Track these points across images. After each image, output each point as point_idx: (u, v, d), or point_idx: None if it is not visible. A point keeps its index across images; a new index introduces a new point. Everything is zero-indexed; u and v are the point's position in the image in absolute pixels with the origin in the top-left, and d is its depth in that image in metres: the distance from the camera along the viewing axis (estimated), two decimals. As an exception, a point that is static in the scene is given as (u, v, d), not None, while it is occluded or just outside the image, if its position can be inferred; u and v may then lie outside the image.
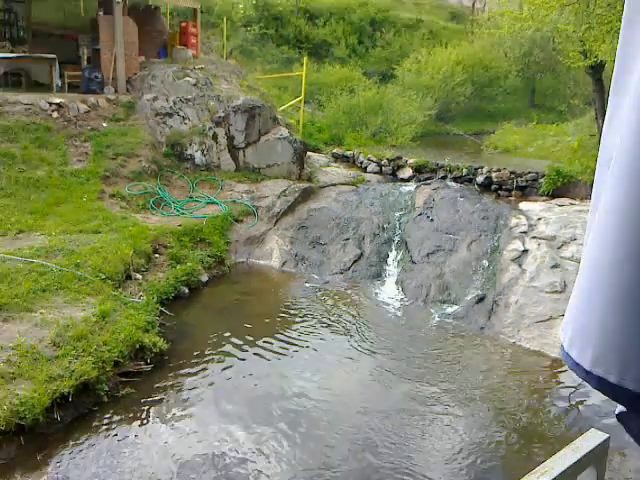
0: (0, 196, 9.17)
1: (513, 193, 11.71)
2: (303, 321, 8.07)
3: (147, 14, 16.03)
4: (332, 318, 8.22)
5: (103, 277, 7.27)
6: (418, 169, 13.03)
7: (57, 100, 11.60)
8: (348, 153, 14.64)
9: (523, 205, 10.42)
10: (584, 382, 0.89)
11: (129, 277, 7.83)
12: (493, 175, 11.94)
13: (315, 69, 20.38)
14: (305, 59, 15.86)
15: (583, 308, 0.89)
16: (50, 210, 9.08)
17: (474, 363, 7.23)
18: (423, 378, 6.75)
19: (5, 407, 4.93)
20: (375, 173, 13.49)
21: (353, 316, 8.31)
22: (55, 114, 11.35)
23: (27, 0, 16.23)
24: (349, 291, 9.21)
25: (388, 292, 9.22)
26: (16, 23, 17.65)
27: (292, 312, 8.37)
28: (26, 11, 16.53)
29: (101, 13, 13.99)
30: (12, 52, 13.52)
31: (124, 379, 6.06)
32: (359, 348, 7.39)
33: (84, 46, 14.46)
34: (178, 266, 8.63)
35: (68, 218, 8.85)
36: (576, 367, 0.88)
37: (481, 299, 8.55)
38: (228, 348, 7.16)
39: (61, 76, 13.29)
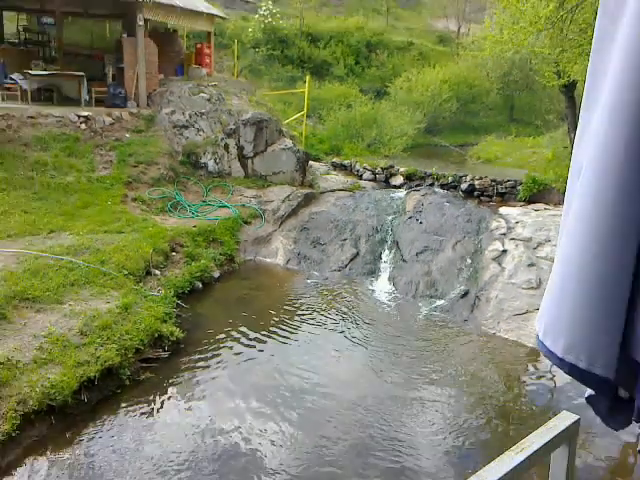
0: (33, 199, 9.19)
1: (494, 199, 11.73)
2: (305, 313, 8.08)
3: (166, 36, 16.05)
4: (331, 311, 8.23)
5: (126, 273, 7.27)
6: (408, 177, 13.04)
7: (85, 113, 11.61)
8: (346, 162, 14.65)
9: (503, 210, 10.43)
10: (557, 368, 0.90)
11: (149, 273, 7.83)
12: (476, 183, 11.96)
13: (316, 86, 20.35)
14: (307, 77, 15.89)
15: (556, 302, 0.90)
16: (78, 212, 9.08)
17: (458, 352, 7.23)
18: (412, 366, 6.76)
19: (38, 389, 4.95)
20: (370, 180, 13.49)
21: (350, 309, 8.32)
22: (83, 126, 11.36)
23: (59, 23, 16.26)
24: (346, 286, 9.22)
25: (381, 287, 9.23)
26: (49, 44, 17.71)
27: (295, 305, 8.38)
28: (58, 33, 16.54)
29: (125, 35, 14.01)
30: (45, 70, 13.53)
31: (144, 365, 6.07)
32: (355, 338, 7.40)
33: (109, 65, 14.48)
34: (193, 263, 8.63)
35: (94, 220, 8.85)
36: (550, 354, 0.89)
37: (465, 294, 8.56)
38: (238, 337, 7.17)
39: (89, 92, 13.29)
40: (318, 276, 9.64)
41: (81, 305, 6.28)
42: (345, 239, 10.37)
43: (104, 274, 7.02)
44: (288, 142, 12.77)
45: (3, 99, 12.85)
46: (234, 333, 7.26)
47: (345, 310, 8.26)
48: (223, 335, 7.19)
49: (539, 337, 0.93)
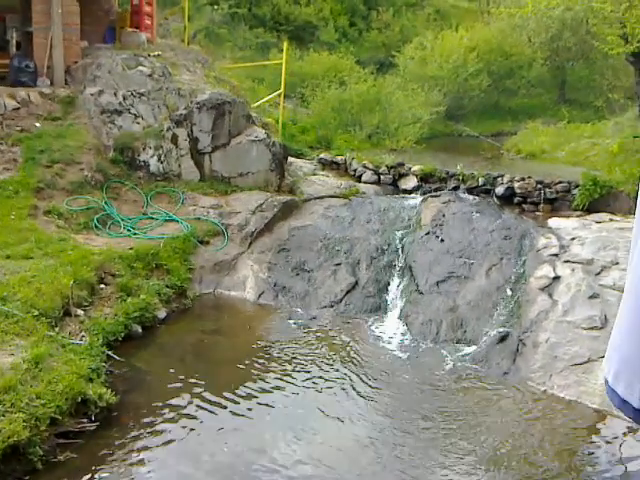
0: None
1: (540, 207, 11.85)
2: (284, 368, 8.06)
3: (91, -11, 16.16)
4: (320, 364, 8.22)
5: (36, 313, 7.21)
6: (424, 178, 13.16)
7: (-22, 94, 11.63)
8: (338, 159, 14.77)
9: (553, 222, 10.54)
10: (635, 424, 0.93)
11: (68, 313, 7.78)
12: (516, 185, 12.10)
13: (297, 57, 20.63)
14: (285, 44, 16.07)
15: (629, 338, 0.93)
16: (-31, 230, 9.04)
17: (497, 418, 7.26)
18: (435, 440, 6.76)
19: None
20: (372, 183, 13.61)
21: (346, 361, 8.32)
22: (-24, 112, 11.37)
23: (-59, -29, 16.28)
24: (341, 329, 9.24)
25: (389, 330, 9.26)
26: None
27: (270, 356, 8.37)
28: (-60, -15, 16.60)
29: (34, -13, 14.10)
30: None
31: (63, 440, 6.00)
32: (354, 403, 7.38)
33: (12, 28, 14.51)
34: (129, 299, 8.59)
35: (-8, 240, 8.81)
36: (623, 405, 0.93)
37: (504, 337, 8.60)
38: (191, 401, 7.12)
39: (-17, 65, 13.33)
40: (302, 315, 9.65)
41: (-26, 359, 6.23)
42: (339, 264, 10.41)
43: (6, 315, 6.97)
44: (259, 132, 12.88)
45: None
46: (186, 396, 7.21)
47: (340, 363, 8.26)
48: (170, 399, 7.14)
49: (608, 383, 0.97)
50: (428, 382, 7.98)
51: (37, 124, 11.78)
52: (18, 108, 11.91)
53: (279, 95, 15.67)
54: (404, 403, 7.47)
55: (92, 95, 12.53)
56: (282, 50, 16.49)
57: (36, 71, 13.14)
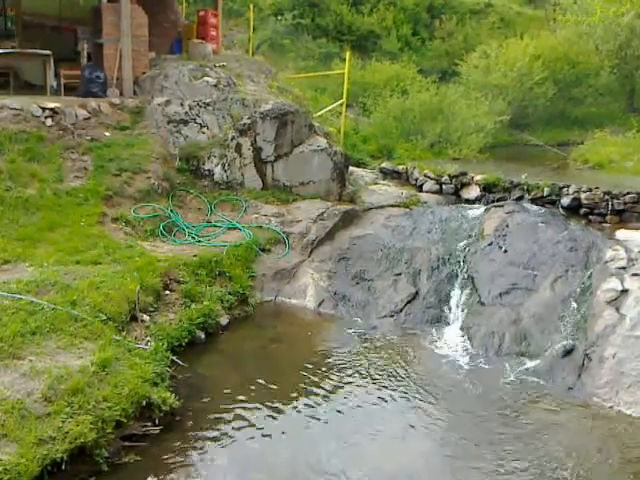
0: (-18, 219, 9.49)
1: (608, 218, 11.59)
2: (343, 376, 8.06)
3: (158, 1, 16.54)
4: (380, 373, 8.19)
5: (104, 318, 7.40)
6: (487, 188, 13.02)
7: (52, 105, 12.01)
8: (400, 168, 14.75)
9: (621, 234, 10.28)
10: None
11: (134, 318, 7.96)
12: (582, 196, 11.86)
13: (359, 66, 20.65)
14: (347, 54, 16.11)
15: None
16: (42, 236, 9.31)
17: (561, 435, 7.09)
18: (495, 456, 6.64)
19: (-14, 475, 5.05)
20: (433, 192, 13.54)
21: (406, 371, 8.27)
22: (49, 121, 11.74)
23: (15, -14, 16.93)
24: (401, 339, 9.19)
25: (450, 341, 9.16)
26: (4, 13, 18.46)
27: (330, 365, 8.38)
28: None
29: (104, 0, 14.51)
30: (-1, 48, 14.10)
31: (127, 443, 6.13)
32: (413, 416, 7.33)
33: (84, 40, 14.98)
34: (193, 305, 8.75)
35: (63, 246, 9.05)
36: None
37: (569, 351, 8.43)
38: (251, 407, 7.20)
39: (56, 76, 13.78)
40: (362, 324, 9.64)
41: (45, 361, 6.40)
42: (399, 273, 10.37)
43: (75, 319, 7.16)
44: (321, 141, 12.95)
45: (-57, 86, 13.43)
46: (246, 402, 7.29)
47: (399, 373, 8.21)
48: (232, 404, 7.22)
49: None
50: (490, 396, 7.85)
51: (107, 133, 12.11)
52: (89, 118, 12.27)
53: (341, 104, 15.73)
54: (464, 418, 7.35)
55: (159, 105, 12.83)
56: (344, 60, 16.56)
57: (106, 82, 13.52)
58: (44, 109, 11.87)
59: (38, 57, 13.65)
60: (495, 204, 12.08)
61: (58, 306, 7.26)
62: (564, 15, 23.47)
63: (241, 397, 7.38)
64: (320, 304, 10.14)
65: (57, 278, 7.93)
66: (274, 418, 7.06)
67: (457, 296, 9.88)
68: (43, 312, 7.11)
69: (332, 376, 8.07)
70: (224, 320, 9.04)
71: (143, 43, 14.17)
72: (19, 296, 7.28)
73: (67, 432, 5.64)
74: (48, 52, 13.53)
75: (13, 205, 9.92)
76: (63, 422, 5.72)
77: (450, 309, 9.75)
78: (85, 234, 9.56)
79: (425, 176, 13.90)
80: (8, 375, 6.13)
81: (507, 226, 10.69)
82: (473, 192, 13.10)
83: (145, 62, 14.26)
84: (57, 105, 12.08)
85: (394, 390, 7.79)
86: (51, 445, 5.49)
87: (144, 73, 14.07)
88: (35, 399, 5.88)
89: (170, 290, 8.97)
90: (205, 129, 12.65)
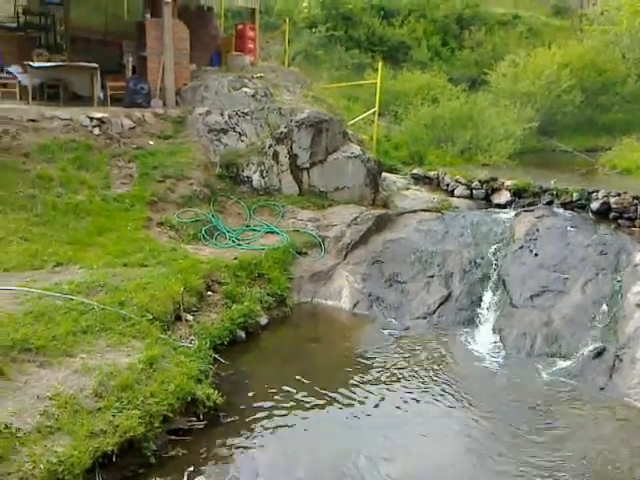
0: (36, 224, 9.67)
1: (637, 222, 11.38)
2: (378, 375, 8.05)
3: (199, 16, 16.72)
4: (413, 373, 8.16)
5: (150, 317, 7.49)
6: (517, 193, 12.90)
7: (99, 115, 12.22)
8: (431, 174, 14.68)
9: (651, 237, 10.13)
10: None
11: (179, 318, 8.05)
12: (611, 200, 11.67)
13: (391, 76, 20.61)
14: (379, 64, 16.09)
15: None
16: (91, 240, 9.50)
17: (592, 434, 7.00)
18: (527, 455, 6.57)
19: (42, 466, 5.12)
20: (464, 197, 13.44)
21: (439, 371, 8.23)
22: (96, 131, 11.95)
23: (65, 2, 17.22)
24: (434, 340, 9.15)
25: (482, 342, 9.09)
26: (54, 28, 18.82)
27: (365, 364, 8.37)
28: (65, 14, 17.54)
29: (148, 16, 14.70)
30: (49, 61, 14.35)
31: (173, 437, 6.20)
32: (447, 412, 7.29)
33: (129, 53, 15.18)
34: (234, 306, 8.82)
35: (111, 249, 9.23)
36: None
37: (600, 353, 8.32)
38: (290, 404, 7.23)
39: (103, 88, 14.00)
40: (396, 325, 9.62)
41: (96, 358, 6.51)
42: (432, 276, 10.33)
43: (124, 319, 7.27)
44: (355, 148, 12.97)
45: (-1, 97, 13.72)
46: (285, 399, 7.32)
47: (433, 372, 8.18)
48: (272, 401, 7.27)
49: None
50: (522, 396, 7.76)
51: (151, 142, 12.27)
52: (134, 127, 12.44)
53: (373, 113, 15.71)
54: (497, 418, 7.28)
55: (200, 115, 12.95)
56: (377, 70, 16.54)
57: (150, 93, 13.70)
58: (92, 119, 12.08)
59: (86, 70, 13.87)
60: (525, 209, 11.98)
61: (107, 306, 7.36)
62: (591, 25, 23.18)
63: (281, 394, 7.41)
64: (355, 305, 10.14)
65: (106, 280, 8.05)
66: (313, 415, 7.07)
67: (489, 298, 9.80)
68: (93, 312, 7.22)
69: (367, 375, 8.06)
70: (263, 320, 9.08)
71: (185, 56, 14.33)
72: (71, 297, 7.40)
73: (117, 426, 5.71)
74: (95, 65, 13.74)
75: (64, 211, 10.12)
76: (113, 416, 5.80)
77: (482, 311, 9.68)
78: (132, 238, 9.71)
79: (456, 181, 13.81)
80: (62, 372, 6.24)
81: (537, 230, 10.59)
82: (503, 197, 12.98)
83: (187, 74, 14.42)
84: (104, 115, 12.28)
85: (428, 390, 7.76)
86: (102, 438, 5.57)
87: (186, 84, 14.22)
88: (87, 394, 5.98)
89: (212, 291, 9.04)
90: (244, 137, 12.74)
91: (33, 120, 11.73)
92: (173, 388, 6.38)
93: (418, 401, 7.52)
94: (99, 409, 5.85)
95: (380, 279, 10.52)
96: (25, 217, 9.79)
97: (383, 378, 7.99)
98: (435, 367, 8.32)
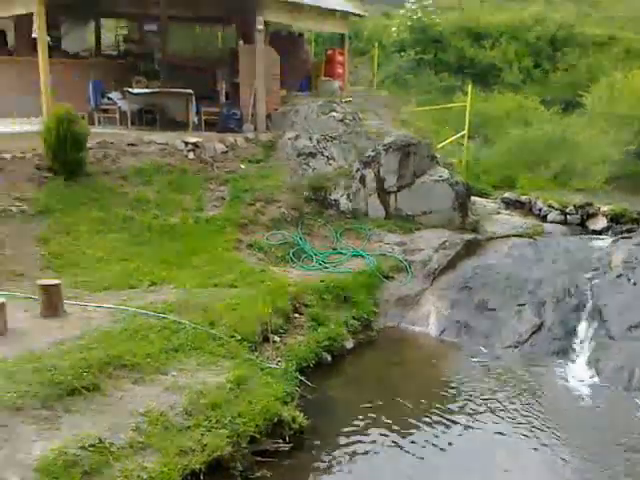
0: (133, 244, 10.08)
1: None
2: (464, 404, 7.85)
3: (290, 42, 17.14)
4: (502, 405, 7.90)
5: (239, 338, 7.61)
6: (614, 219, 12.50)
7: (193, 139, 12.65)
8: (523, 198, 14.38)
9: None
10: None
11: (266, 339, 8.13)
12: None
13: (481, 98, 20.36)
14: (469, 87, 15.97)
15: None
16: (184, 261, 9.80)
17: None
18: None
19: (133, 482, 5.27)
20: (558, 223, 13.10)
21: (529, 403, 7.93)
22: (191, 155, 12.38)
23: (164, 30, 18.00)
24: (525, 370, 8.85)
25: (578, 374, 8.72)
26: (152, 56, 19.69)
27: (452, 392, 8.20)
28: (162, 42, 18.34)
29: (241, 43, 15.17)
30: (147, 87, 15.01)
31: (260, 458, 6.22)
32: (534, 448, 6.98)
33: (222, 80, 15.70)
34: (320, 328, 8.84)
35: (202, 270, 9.48)
36: None
37: None
38: (376, 430, 7.14)
39: (198, 113, 14.50)
40: (485, 353, 9.39)
41: (186, 377, 6.66)
42: (523, 304, 10.04)
43: (213, 338, 7.43)
44: (443, 172, 12.87)
45: (100, 122, 14.45)
46: (371, 424, 7.25)
47: (522, 404, 7.89)
48: (357, 426, 7.21)
49: None
50: (618, 434, 7.35)
51: (242, 166, 12.60)
52: (226, 152, 12.82)
53: (463, 136, 15.57)
54: (589, 458, 6.89)
55: (290, 139, 13.19)
56: (466, 92, 16.41)
57: (242, 118, 14.10)
58: (187, 144, 12.53)
59: (181, 96, 14.43)
60: (623, 235, 11.55)
61: (198, 326, 7.55)
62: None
63: (366, 419, 7.35)
64: (442, 332, 9.98)
65: (197, 299, 8.27)
66: (397, 442, 6.96)
67: (584, 329, 9.40)
68: (185, 331, 7.42)
69: (454, 404, 7.88)
70: (349, 344, 9.06)
71: (276, 81, 14.69)
72: (164, 315, 7.64)
73: (205, 444, 5.79)
74: (190, 91, 14.26)
75: (159, 232, 10.50)
76: (202, 435, 5.88)
77: (576, 342, 9.30)
78: (222, 259, 9.95)
79: (549, 206, 13.47)
80: (154, 389, 6.41)
81: (636, 258, 10.15)
82: (600, 223, 12.57)
83: (277, 99, 14.75)
84: (198, 140, 12.71)
85: (516, 422, 7.49)
86: (191, 456, 5.65)
87: (276, 109, 14.55)
88: (177, 412, 6.10)
89: (299, 313, 9.11)
90: (332, 161, 12.87)
91: (132, 144, 12.28)
92: (260, 409, 6.43)
93: (504, 434, 7.26)
94: (188, 427, 5.96)
95: (469, 305, 10.32)
96: (123, 238, 10.22)
97: (469, 408, 7.79)
98: (524, 399, 8.04)
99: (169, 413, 6.05)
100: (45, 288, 7.44)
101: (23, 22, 15.07)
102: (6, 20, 16.08)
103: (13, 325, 6.98)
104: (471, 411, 7.72)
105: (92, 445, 5.36)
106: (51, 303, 7.41)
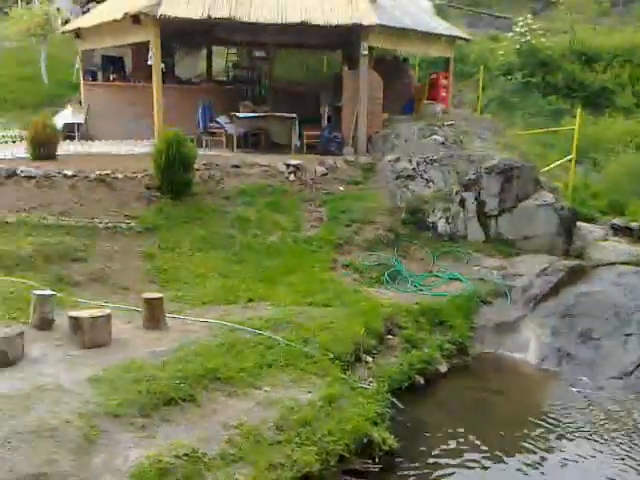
0: (233, 262, 10.41)
1: None
2: (563, 437, 7.55)
3: (394, 66, 17.24)
4: (604, 438, 7.53)
5: (331, 356, 7.65)
6: None
7: (295, 162, 12.95)
8: (633, 225, 13.72)
9: None
10: None
11: (358, 359, 8.14)
12: None
13: (590, 122, 19.71)
14: (578, 110, 15.53)
15: None
16: (281, 279, 10.00)
17: None
18: None
19: (223, 494, 5.38)
20: (669, 251, 12.39)
21: (635, 440, 7.53)
22: (292, 177, 12.68)
23: (271, 57, 18.60)
24: (631, 403, 8.42)
25: (687, 410, 8.23)
26: (259, 81, 20.38)
27: (550, 422, 7.89)
28: (269, 68, 18.95)
29: (345, 68, 15.42)
30: (254, 112, 15.50)
31: (348, 478, 6.21)
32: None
33: (325, 104, 16.02)
34: (413, 351, 8.77)
35: (298, 288, 9.64)
36: None
37: None
38: (467, 457, 7.00)
39: (300, 136, 14.83)
40: (587, 384, 9.00)
41: (278, 392, 6.76)
42: (630, 334, 9.62)
43: (306, 356, 7.51)
44: (547, 196, 12.55)
45: (207, 145, 15.03)
46: (463, 451, 7.11)
47: (627, 440, 7.49)
48: (448, 451, 7.09)
49: None
50: None
51: (340, 188, 12.77)
52: (325, 174, 13.04)
53: (570, 160, 15.11)
54: None
55: (389, 162, 13.25)
56: (574, 116, 15.94)
57: (343, 141, 14.33)
58: (288, 166, 12.85)
59: (285, 120, 14.83)
60: None
61: (292, 343, 7.66)
62: None
63: (458, 444, 7.22)
64: (542, 360, 9.65)
65: (292, 317, 8.40)
66: (489, 471, 6.79)
67: (697, 362, 8.89)
68: (279, 347, 7.55)
69: (551, 435, 7.59)
70: (443, 368, 8.93)
71: (378, 105, 14.81)
72: (260, 332, 7.82)
73: (295, 460, 5.84)
74: (294, 115, 14.63)
75: (258, 250, 10.79)
76: (292, 450, 5.93)
77: (688, 375, 8.80)
78: (318, 278, 10.08)
79: (661, 234, 12.82)
80: (247, 402, 6.55)
81: None
82: None
83: (379, 122, 14.86)
84: (299, 162, 13.00)
85: (618, 461, 7.09)
86: (280, 471, 5.70)
87: (377, 132, 14.66)
88: (268, 427, 6.18)
89: (392, 335, 9.08)
90: (430, 184, 12.81)
91: (236, 166, 12.72)
92: (350, 428, 6.42)
93: (604, 470, 6.92)
94: (279, 442, 6.02)
95: (571, 334, 9.95)
96: (224, 255, 10.57)
97: (567, 439, 7.48)
98: (630, 434, 7.64)
99: (261, 427, 6.14)
100: (149, 301, 7.79)
101: (140, 50, 15.97)
102: (124, 48, 17.08)
103: (117, 336, 7.34)
104: (569, 443, 7.42)
105: (186, 454, 5.50)
106: (153, 316, 7.75)
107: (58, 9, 21.37)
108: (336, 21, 13.76)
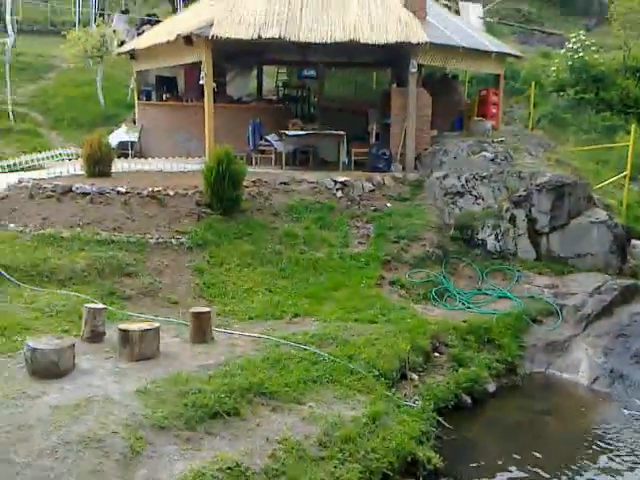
0: (280, 277, 10.47)
1: None
2: (614, 460, 7.31)
3: (443, 84, 17.20)
4: (660, 462, 7.31)
5: (376, 373, 7.60)
6: None
7: (342, 179, 12.99)
8: (692, 243, 13.30)
9: None
10: None
11: (404, 376, 8.07)
12: None
13: (646, 138, 19.24)
14: (632, 126, 15.20)
15: None
16: (327, 295, 10.01)
17: None
18: None
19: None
20: None
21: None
22: (339, 193, 12.71)
23: (321, 75, 18.76)
24: (688, 428, 8.13)
25: None
26: (308, 100, 20.58)
27: (600, 445, 7.67)
28: (319, 87, 19.11)
29: (394, 85, 15.44)
30: (302, 129, 15.64)
31: (391, 496, 6.17)
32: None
33: (373, 121, 16.06)
34: (460, 370, 8.66)
35: (344, 304, 9.63)
36: None
37: None
38: (515, 477, 6.86)
39: (348, 153, 14.89)
40: (641, 406, 8.74)
41: (322, 408, 6.74)
42: (686, 356, 9.28)
43: (351, 372, 7.48)
44: (601, 214, 12.29)
45: (256, 163, 15.20)
46: (512, 471, 6.96)
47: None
48: (496, 471, 6.95)
49: None
50: None
51: (388, 204, 12.75)
52: (373, 190, 13.05)
53: (624, 177, 14.76)
54: None
55: (437, 179, 13.17)
56: (629, 132, 15.60)
57: (391, 158, 14.31)
58: (336, 182, 12.89)
59: (334, 137, 14.92)
60: None
61: (337, 359, 7.64)
62: None
63: (505, 465, 7.07)
64: (594, 381, 9.39)
65: (338, 333, 8.39)
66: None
67: None
68: (324, 363, 7.54)
69: (602, 457, 7.37)
70: (491, 387, 8.78)
71: (426, 122, 14.77)
72: (305, 347, 7.83)
73: (338, 477, 5.81)
74: (342, 132, 14.70)
75: (305, 266, 10.83)
76: (335, 467, 5.91)
77: None
78: (364, 295, 10.05)
79: None
80: (291, 417, 6.55)
81: None
82: None
83: (427, 139, 14.82)
84: (347, 179, 13.04)
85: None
86: (323, 488, 5.72)
87: (426, 149, 14.60)
88: (312, 442, 6.16)
89: (439, 352, 9.00)
90: (480, 200, 12.68)
91: (284, 183, 12.82)
92: (394, 446, 6.38)
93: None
94: (322, 458, 6.01)
95: (625, 355, 9.67)
96: (271, 271, 10.63)
97: (618, 463, 7.23)
98: (687, 458, 7.38)
99: (304, 443, 6.13)
100: (196, 315, 7.88)
101: (192, 70, 16.31)
102: (177, 68, 17.46)
103: (165, 349, 7.44)
104: (620, 467, 7.19)
105: (229, 468, 5.52)
106: (201, 330, 7.83)
107: (114, 31, 21.99)
108: (385, 39, 13.78)
